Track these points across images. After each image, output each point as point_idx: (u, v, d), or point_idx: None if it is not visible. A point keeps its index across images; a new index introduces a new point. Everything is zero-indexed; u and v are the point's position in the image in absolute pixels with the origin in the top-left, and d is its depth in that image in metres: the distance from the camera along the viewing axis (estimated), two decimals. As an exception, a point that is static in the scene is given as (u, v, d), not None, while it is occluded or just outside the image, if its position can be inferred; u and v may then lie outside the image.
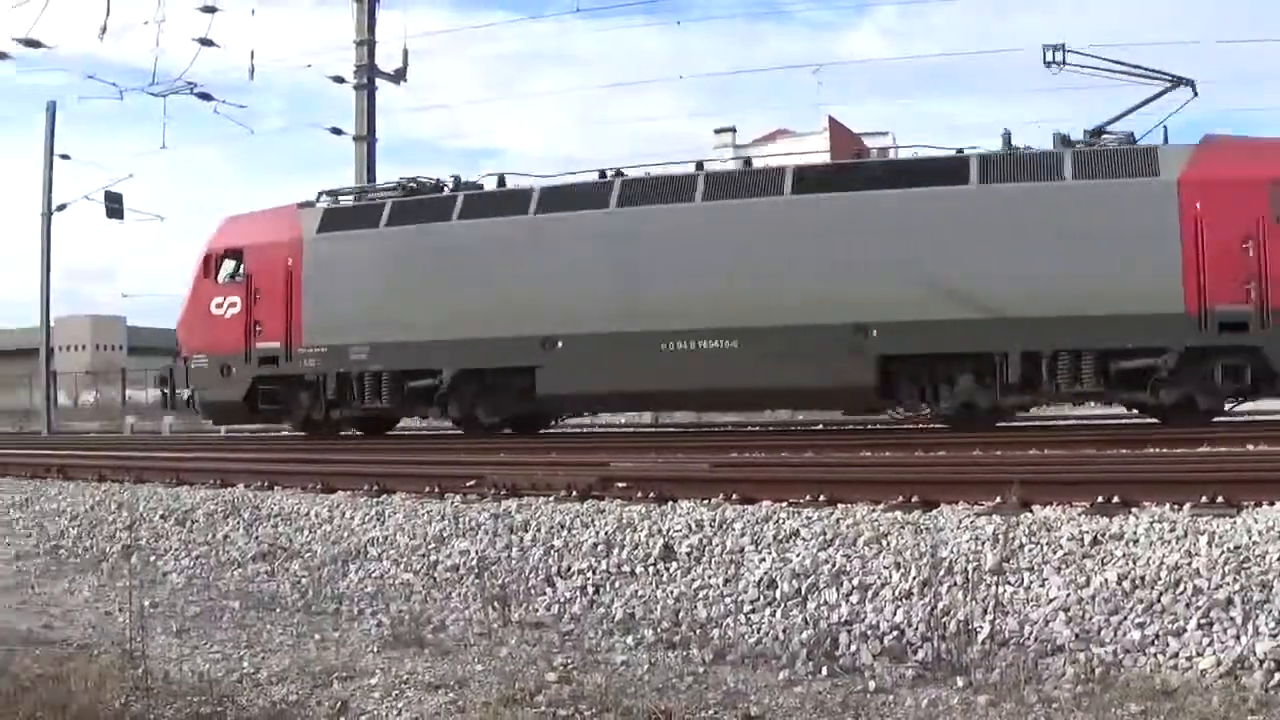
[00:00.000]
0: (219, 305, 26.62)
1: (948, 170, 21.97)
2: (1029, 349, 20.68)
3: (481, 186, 25.93)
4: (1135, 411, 22.20)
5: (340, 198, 27.36)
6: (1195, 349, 19.98)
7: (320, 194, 27.15)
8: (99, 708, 6.81)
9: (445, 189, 26.16)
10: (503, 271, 23.96)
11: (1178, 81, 22.37)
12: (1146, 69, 22.59)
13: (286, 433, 28.79)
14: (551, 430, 26.67)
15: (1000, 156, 21.82)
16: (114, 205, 33.94)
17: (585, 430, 26.83)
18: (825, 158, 34.80)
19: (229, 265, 26.89)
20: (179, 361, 27.91)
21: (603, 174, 24.40)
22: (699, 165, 24.32)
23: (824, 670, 7.39)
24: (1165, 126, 21.73)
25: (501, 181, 25.51)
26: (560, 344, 23.38)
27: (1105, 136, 22.04)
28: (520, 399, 24.19)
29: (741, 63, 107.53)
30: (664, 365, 22.53)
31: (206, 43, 31.71)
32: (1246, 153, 21.10)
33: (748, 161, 25.59)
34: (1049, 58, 22.68)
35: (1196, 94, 22.32)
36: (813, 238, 21.97)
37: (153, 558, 12.80)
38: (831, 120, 55.64)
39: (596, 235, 23.50)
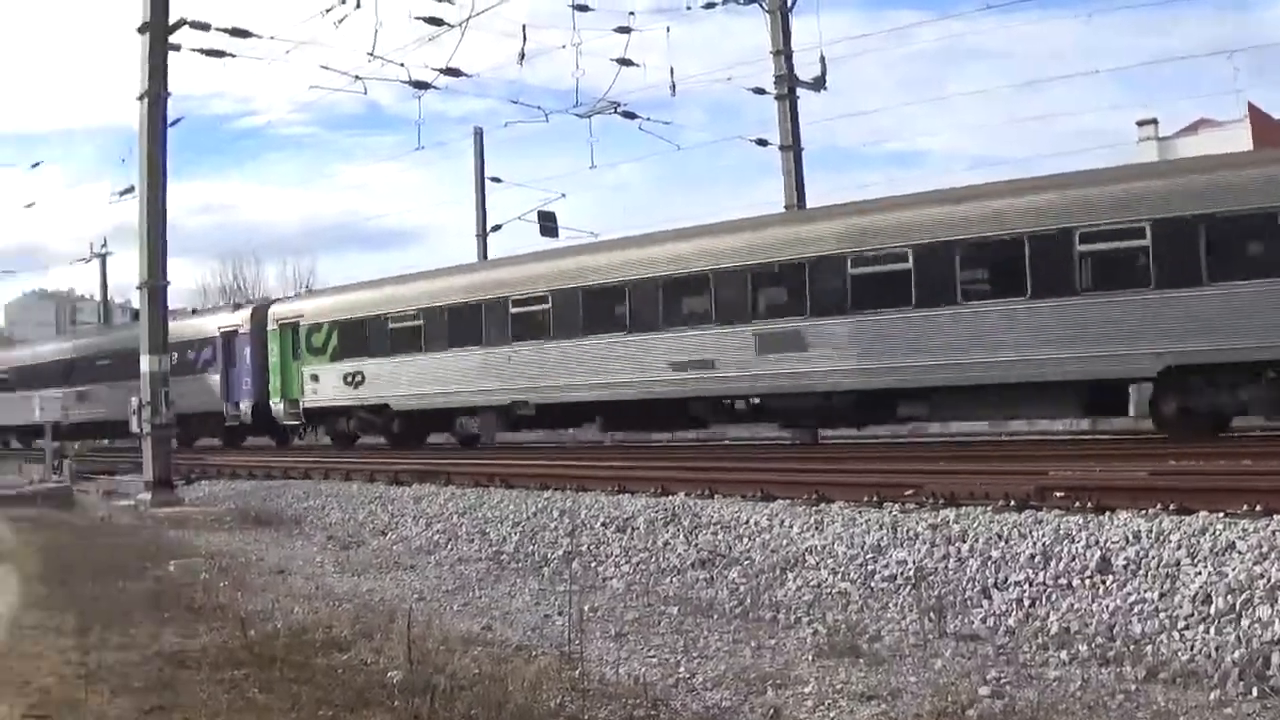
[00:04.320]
0: None
1: None
2: None
3: None
4: None
5: None
6: None
7: None
8: (534, 706, 7.78)
9: None
10: None
11: None
12: None
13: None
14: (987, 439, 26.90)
15: None
16: (548, 224, 35.81)
17: (1020, 438, 26.71)
18: (1250, 147, 39.61)
19: None
20: None
21: None
22: None
23: (1254, 691, 7.67)
24: None
25: None
26: None
27: None
28: None
29: (1156, 52, 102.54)
30: None
31: (625, 62, 33.18)
32: None
33: None
34: None
35: None
36: None
37: (593, 564, 13.90)
38: (1251, 107, 53.46)
39: None
